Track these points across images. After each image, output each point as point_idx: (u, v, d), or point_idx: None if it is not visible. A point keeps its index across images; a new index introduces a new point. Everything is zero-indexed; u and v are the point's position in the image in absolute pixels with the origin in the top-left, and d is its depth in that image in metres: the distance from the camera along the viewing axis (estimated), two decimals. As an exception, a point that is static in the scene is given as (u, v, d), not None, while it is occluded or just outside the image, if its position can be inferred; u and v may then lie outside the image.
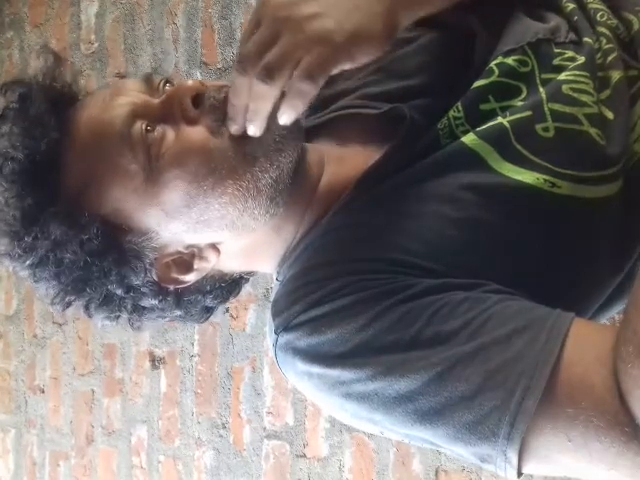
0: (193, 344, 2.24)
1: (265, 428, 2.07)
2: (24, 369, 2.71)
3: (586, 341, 0.57)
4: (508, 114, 0.68)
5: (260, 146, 0.68)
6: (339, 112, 0.79)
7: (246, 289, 2.26)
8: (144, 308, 0.76)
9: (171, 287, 0.75)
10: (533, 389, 0.55)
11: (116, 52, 2.54)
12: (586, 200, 0.66)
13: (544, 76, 0.71)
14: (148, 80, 0.73)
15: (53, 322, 2.60)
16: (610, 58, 0.71)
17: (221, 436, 2.17)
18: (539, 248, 0.67)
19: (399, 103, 0.75)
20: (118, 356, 2.42)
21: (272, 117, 0.66)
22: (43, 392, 2.64)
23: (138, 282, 0.73)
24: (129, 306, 0.75)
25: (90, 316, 0.75)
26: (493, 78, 0.71)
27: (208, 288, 0.78)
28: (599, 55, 0.71)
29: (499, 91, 0.70)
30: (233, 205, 0.70)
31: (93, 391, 2.49)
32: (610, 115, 0.68)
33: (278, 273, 0.77)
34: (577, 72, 0.69)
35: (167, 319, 0.78)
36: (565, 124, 0.67)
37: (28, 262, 0.70)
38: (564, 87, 0.68)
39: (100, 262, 0.70)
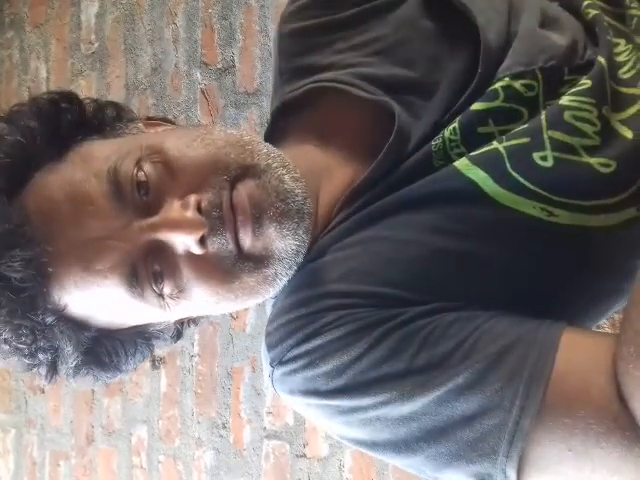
0: (193, 344, 2.24)
1: (265, 428, 2.07)
2: (24, 369, 2.71)
3: (579, 350, 0.57)
4: (504, 139, 0.64)
5: (281, 267, 0.66)
6: (325, 83, 0.75)
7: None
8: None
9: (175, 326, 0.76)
10: (529, 407, 0.56)
11: (116, 52, 2.54)
12: (586, 229, 0.63)
13: (549, 102, 0.67)
14: (116, 182, 0.62)
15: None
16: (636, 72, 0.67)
17: (221, 436, 2.17)
18: (537, 276, 0.65)
19: (392, 92, 0.71)
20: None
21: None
22: (43, 392, 2.64)
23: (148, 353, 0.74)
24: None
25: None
26: (497, 103, 0.67)
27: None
28: (625, 69, 0.67)
29: (500, 115, 0.67)
30: (249, 304, 0.69)
31: (93, 391, 2.49)
32: (629, 135, 0.63)
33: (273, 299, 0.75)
34: (582, 98, 0.64)
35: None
36: (564, 154, 0.63)
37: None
38: (566, 114, 0.64)
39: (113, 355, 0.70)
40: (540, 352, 0.57)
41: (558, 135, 0.63)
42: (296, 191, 0.64)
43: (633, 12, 0.71)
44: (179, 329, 0.76)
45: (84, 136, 0.68)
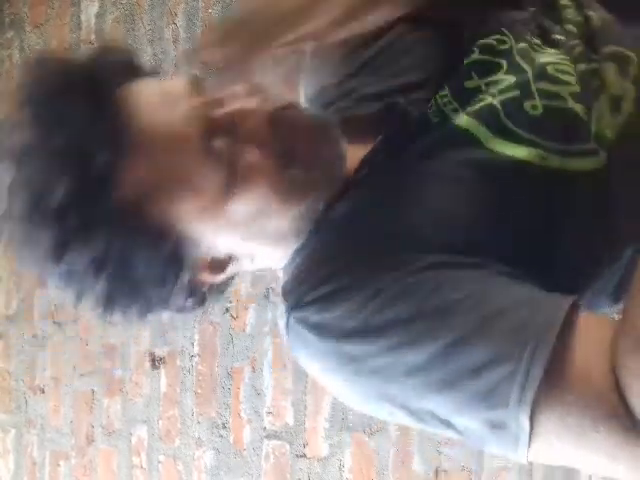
0: (193, 344, 2.25)
1: (265, 428, 2.07)
2: (24, 369, 2.71)
3: (587, 331, 0.58)
4: (497, 93, 0.71)
5: (323, 174, 0.72)
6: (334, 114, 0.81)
7: (246, 289, 2.26)
8: (167, 303, 0.76)
9: (198, 285, 0.76)
10: (538, 357, 0.56)
11: (116, 52, 2.54)
12: (574, 173, 0.68)
13: (519, 45, 0.74)
14: (195, 83, 0.72)
15: (53, 322, 2.60)
16: (575, 53, 0.74)
17: (221, 436, 2.17)
18: (534, 220, 0.68)
19: (397, 99, 0.77)
20: (118, 356, 2.42)
21: (328, 148, 0.72)
22: (43, 392, 2.64)
23: (174, 283, 0.73)
24: (155, 302, 0.75)
25: (108, 311, 0.74)
26: (474, 56, 0.74)
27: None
28: (565, 50, 0.75)
29: (480, 68, 0.74)
30: (288, 226, 0.73)
31: (93, 391, 2.49)
32: (580, 110, 0.71)
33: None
34: (560, 56, 0.73)
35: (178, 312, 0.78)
36: (552, 102, 0.70)
37: (84, 266, 0.69)
38: (549, 67, 0.72)
39: (147, 266, 0.71)
40: (551, 311, 0.58)
41: (544, 85, 0.71)
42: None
43: (562, 2, 0.79)
44: (204, 292, 0.77)
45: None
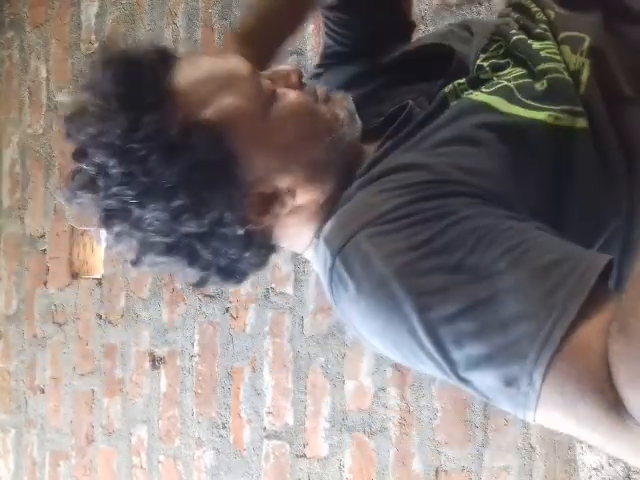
0: (193, 344, 2.25)
1: (265, 428, 2.07)
2: (24, 369, 2.71)
3: (601, 307, 0.60)
4: (512, 80, 0.80)
5: (347, 114, 0.84)
6: None
7: (246, 289, 2.26)
8: (220, 248, 0.80)
9: (249, 227, 0.80)
10: (562, 322, 0.59)
11: (116, 52, 2.54)
12: (580, 130, 0.76)
13: (513, 39, 0.84)
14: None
15: (53, 322, 2.61)
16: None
17: (221, 436, 2.17)
18: (546, 177, 0.75)
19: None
20: (118, 356, 2.42)
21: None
22: (43, 392, 2.64)
23: (229, 212, 0.77)
24: (210, 242, 0.79)
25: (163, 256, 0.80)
26: (487, 62, 0.85)
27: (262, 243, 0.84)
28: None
29: (492, 67, 0.83)
30: (320, 157, 0.82)
31: (93, 391, 2.49)
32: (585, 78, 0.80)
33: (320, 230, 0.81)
34: (546, 42, 0.83)
35: (228, 264, 0.82)
36: (552, 75, 0.79)
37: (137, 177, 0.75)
38: (542, 52, 0.81)
39: (203, 184, 0.76)
40: (584, 273, 0.60)
41: (544, 66, 0.80)
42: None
43: (538, 17, 0.88)
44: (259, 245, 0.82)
45: None
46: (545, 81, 0.78)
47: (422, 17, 1.87)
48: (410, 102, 0.83)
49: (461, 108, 0.79)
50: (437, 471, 1.77)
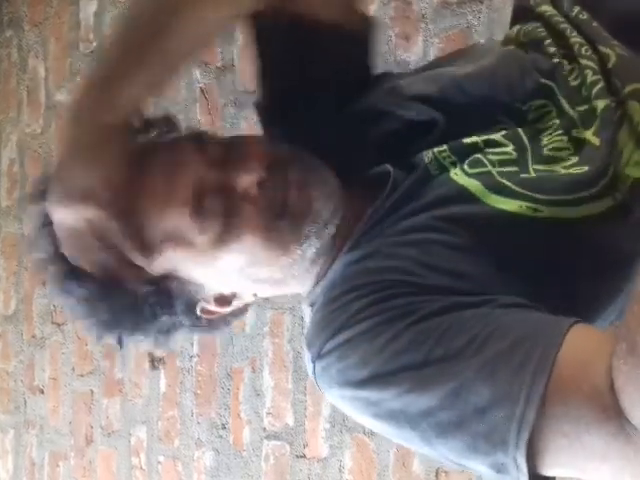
0: (193, 344, 2.24)
1: (265, 429, 2.07)
2: (23, 369, 2.71)
3: (582, 344, 0.62)
4: (497, 165, 0.76)
5: (311, 227, 0.76)
6: None
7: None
8: (174, 331, 0.83)
9: (204, 317, 0.83)
10: (533, 398, 0.60)
11: (115, 51, 2.53)
12: (571, 219, 0.72)
13: (524, 106, 0.80)
14: (201, 145, 0.77)
15: (52, 322, 2.60)
16: (596, 89, 0.77)
17: (221, 436, 2.16)
18: (532, 268, 0.72)
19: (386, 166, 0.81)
20: (118, 356, 2.42)
21: (321, 198, 0.76)
22: (42, 392, 2.64)
23: (182, 317, 0.81)
24: (164, 331, 0.82)
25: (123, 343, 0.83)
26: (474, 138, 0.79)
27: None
28: (584, 89, 0.78)
29: (486, 142, 0.78)
30: (281, 274, 0.78)
31: (92, 391, 2.49)
32: (597, 142, 0.74)
33: (309, 300, 0.82)
34: (555, 134, 0.78)
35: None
36: (547, 174, 0.75)
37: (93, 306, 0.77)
38: (544, 150, 0.77)
39: (156, 308, 0.78)
40: (545, 347, 0.61)
41: (541, 167, 0.76)
42: (333, 182, 0.78)
43: (573, 40, 0.82)
44: (201, 317, 0.83)
45: None
46: (534, 172, 0.75)
47: (422, 15, 1.87)
48: (391, 170, 0.78)
49: (442, 192, 0.75)
50: (437, 472, 1.77)
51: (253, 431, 2.09)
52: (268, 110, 0.90)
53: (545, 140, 0.78)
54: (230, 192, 0.74)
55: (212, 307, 0.82)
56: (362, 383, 0.69)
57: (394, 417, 0.68)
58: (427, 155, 0.78)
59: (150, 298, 0.77)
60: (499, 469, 0.63)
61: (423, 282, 0.71)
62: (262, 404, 2.08)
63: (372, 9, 1.90)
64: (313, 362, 0.75)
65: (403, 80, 0.88)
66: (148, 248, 0.74)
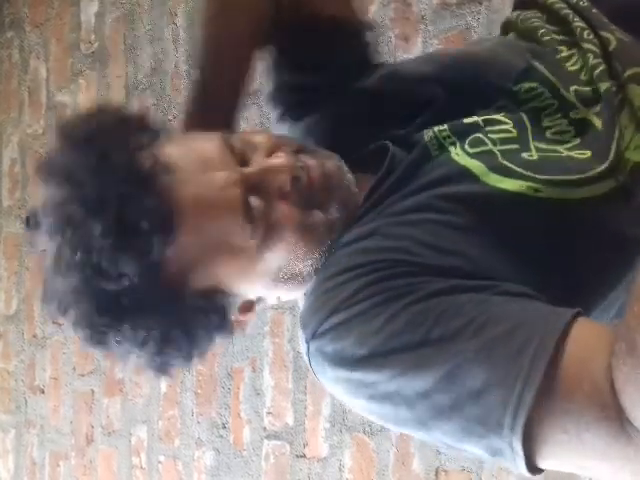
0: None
1: (265, 428, 2.07)
2: (24, 369, 2.71)
3: (584, 338, 0.60)
4: (498, 143, 0.75)
5: (340, 214, 0.77)
6: None
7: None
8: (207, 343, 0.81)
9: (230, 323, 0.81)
10: (531, 383, 0.59)
11: (116, 52, 2.54)
12: (573, 201, 0.72)
13: (515, 87, 0.80)
14: (228, 145, 0.76)
15: (53, 322, 2.60)
16: (597, 72, 0.77)
17: (221, 436, 2.17)
18: (534, 250, 0.72)
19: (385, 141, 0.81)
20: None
21: (341, 190, 0.77)
22: (43, 392, 2.64)
23: (217, 330, 0.79)
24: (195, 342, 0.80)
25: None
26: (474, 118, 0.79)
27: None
28: (585, 71, 0.79)
29: (486, 120, 0.78)
30: (313, 268, 0.78)
31: (93, 391, 2.49)
32: (599, 124, 0.75)
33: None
34: (554, 117, 0.78)
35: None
36: (548, 154, 0.75)
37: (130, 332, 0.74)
38: (547, 133, 0.77)
39: (189, 321, 0.76)
40: (545, 334, 0.60)
41: (543, 145, 0.75)
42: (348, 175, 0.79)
43: (576, 24, 0.83)
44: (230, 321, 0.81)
45: None
46: (536, 155, 0.74)
47: (422, 17, 1.87)
48: (390, 146, 0.79)
49: (443, 172, 0.75)
50: (437, 471, 1.77)
51: (253, 431, 2.09)
52: (282, 99, 0.93)
53: (547, 122, 0.78)
54: (267, 191, 0.74)
55: (236, 315, 0.81)
56: (357, 363, 0.68)
57: (389, 399, 0.67)
58: (427, 134, 0.78)
59: (194, 316, 0.75)
60: (494, 452, 0.62)
61: (424, 262, 0.70)
62: (262, 404, 2.08)
63: (372, 10, 1.91)
64: (307, 342, 0.74)
65: (400, 65, 0.92)
66: (191, 263, 0.73)
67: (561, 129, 0.77)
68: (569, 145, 0.75)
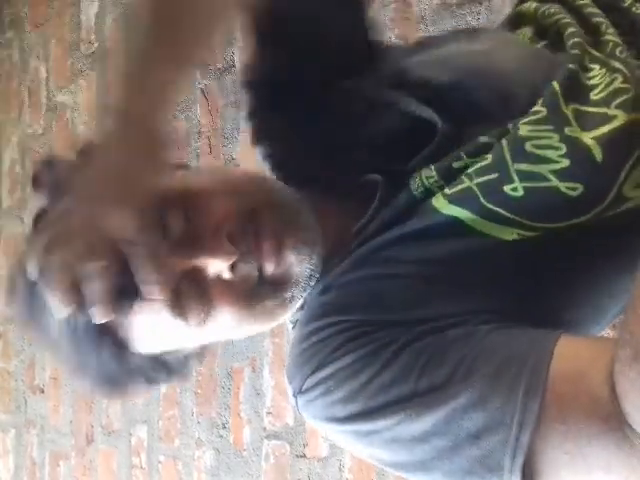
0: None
1: (265, 428, 2.07)
2: (24, 369, 2.71)
3: (572, 356, 0.60)
4: (474, 176, 0.68)
5: (297, 291, 0.72)
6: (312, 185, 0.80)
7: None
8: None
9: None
10: (527, 421, 0.59)
11: (116, 52, 2.54)
12: (560, 230, 0.67)
13: (513, 128, 0.70)
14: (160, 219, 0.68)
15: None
16: (620, 100, 0.67)
17: (221, 436, 2.17)
18: (530, 291, 0.69)
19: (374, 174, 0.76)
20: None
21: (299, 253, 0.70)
22: (43, 392, 2.64)
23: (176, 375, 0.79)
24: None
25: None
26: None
27: None
28: (597, 91, 0.69)
29: (472, 149, 0.71)
30: (270, 326, 0.76)
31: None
32: (599, 155, 0.66)
33: (291, 319, 0.80)
34: (539, 127, 0.68)
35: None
36: (533, 183, 0.67)
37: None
38: (527, 145, 0.67)
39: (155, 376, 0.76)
40: (534, 366, 0.60)
41: (524, 167, 0.67)
42: (310, 222, 0.72)
43: (608, 38, 0.75)
44: (186, 361, 0.80)
45: None
46: (521, 188, 0.66)
47: (422, 17, 1.87)
48: (379, 183, 0.74)
49: (427, 221, 0.70)
50: (437, 471, 1.77)
51: (253, 431, 2.09)
52: (261, 93, 0.82)
53: (525, 131, 0.68)
54: (202, 277, 0.68)
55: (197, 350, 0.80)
56: (349, 419, 0.67)
57: (387, 446, 0.66)
58: (415, 180, 0.72)
59: (150, 370, 0.75)
60: None
61: (398, 318, 0.68)
62: (262, 404, 2.08)
63: (371, 10, 1.91)
64: (295, 397, 0.72)
65: (411, 59, 0.80)
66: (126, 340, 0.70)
67: (547, 143, 0.67)
68: (556, 167, 0.66)
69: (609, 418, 0.55)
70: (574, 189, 0.66)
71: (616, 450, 0.55)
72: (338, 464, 1.92)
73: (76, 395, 2.54)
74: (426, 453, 0.64)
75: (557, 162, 0.66)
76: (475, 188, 0.68)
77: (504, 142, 0.68)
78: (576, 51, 0.73)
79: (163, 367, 0.75)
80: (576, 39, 0.74)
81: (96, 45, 2.60)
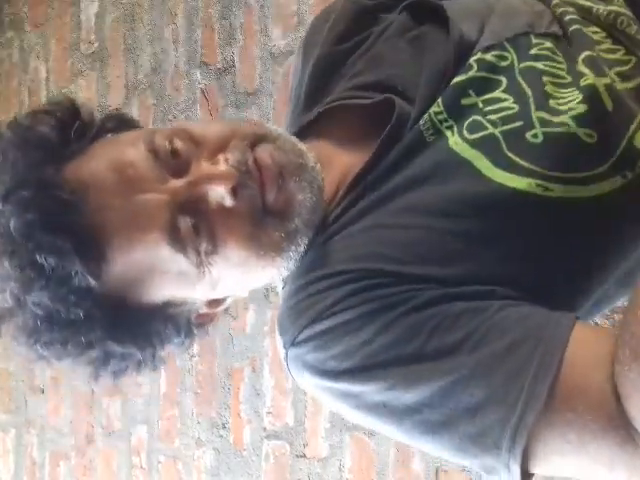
0: (193, 344, 2.24)
1: (265, 428, 2.07)
2: (24, 369, 2.71)
3: (584, 346, 0.58)
4: (499, 124, 0.68)
5: (300, 222, 0.70)
6: (330, 104, 0.79)
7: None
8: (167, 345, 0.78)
9: (197, 321, 0.78)
10: (533, 404, 0.57)
11: (116, 52, 2.54)
12: (580, 199, 0.66)
13: (522, 65, 0.72)
14: (152, 149, 0.68)
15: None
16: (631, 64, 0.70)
17: (221, 436, 2.17)
18: (539, 250, 0.67)
19: (391, 92, 0.75)
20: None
21: (302, 190, 0.69)
22: (43, 392, 2.64)
23: (175, 335, 0.76)
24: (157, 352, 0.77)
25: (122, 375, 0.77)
26: (472, 73, 0.72)
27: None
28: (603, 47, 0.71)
29: (479, 85, 0.71)
30: (274, 272, 0.72)
31: (93, 391, 2.49)
32: (609, 104, 0.68)
33: (283, 282, 0.77)
34: (555, 66, 0.71)
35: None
36: (552, 128, 0.67)
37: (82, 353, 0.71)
38: (547, 88, 0.70)
39: (146, 339, 0.73)
40: (547, 350, 0.58)
41: (544, 115, 0.68)
42: (308, 154, 0.71)
43: (613, 8, 0.76)
44: (193, 326, 0.77)
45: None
46: (541, 133, 0.67)
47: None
48: (397, 103, 0.72)
49: (440, 164, 0.68)
50: (437, 471, 1.76)
51: (253, 431, 2.09)
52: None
53: (550, 87, 0.69)
54: (203, 208, 0.66)
55: (205, 310, 0.77)
56: (342, 375, 0.64)
57: (375, 410, 0.64)
58: (422, 119, 0.71)
59: (154, 328, 0.72)
60: (489, 470, 0.60)
61: (407, 271, 0.64)
62: (262, 404, 2.08)
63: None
64: (286, 349, 0.69)
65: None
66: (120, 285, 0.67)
67: (558, 72, 0.70)
68: (574, 113, 0.67)
69: (614, 417, 0.55)
70: (591, 136, 0.66)
71: (619, 450, 0.55)
72: (338, 464, 1.92)
73: (76, 395, 2.54)
74: (415, 426, 0.62)
75: (574, 109, 0.68)
76: (499, 135, 0.68)
77: (527, 88, 0.70)
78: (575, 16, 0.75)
79: (168, 320, 0.72)
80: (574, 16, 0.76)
81: (96, 45, 2.61)
